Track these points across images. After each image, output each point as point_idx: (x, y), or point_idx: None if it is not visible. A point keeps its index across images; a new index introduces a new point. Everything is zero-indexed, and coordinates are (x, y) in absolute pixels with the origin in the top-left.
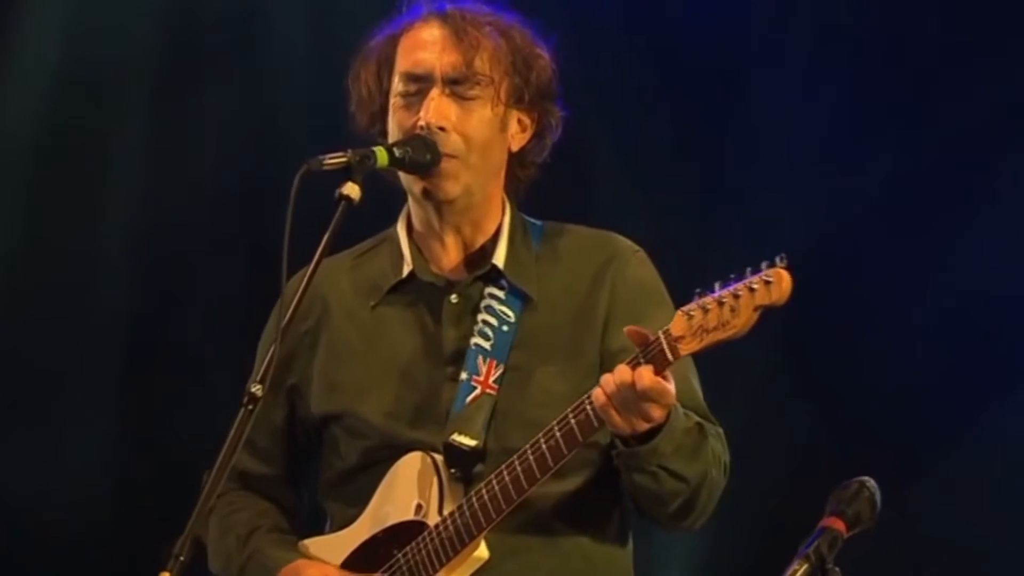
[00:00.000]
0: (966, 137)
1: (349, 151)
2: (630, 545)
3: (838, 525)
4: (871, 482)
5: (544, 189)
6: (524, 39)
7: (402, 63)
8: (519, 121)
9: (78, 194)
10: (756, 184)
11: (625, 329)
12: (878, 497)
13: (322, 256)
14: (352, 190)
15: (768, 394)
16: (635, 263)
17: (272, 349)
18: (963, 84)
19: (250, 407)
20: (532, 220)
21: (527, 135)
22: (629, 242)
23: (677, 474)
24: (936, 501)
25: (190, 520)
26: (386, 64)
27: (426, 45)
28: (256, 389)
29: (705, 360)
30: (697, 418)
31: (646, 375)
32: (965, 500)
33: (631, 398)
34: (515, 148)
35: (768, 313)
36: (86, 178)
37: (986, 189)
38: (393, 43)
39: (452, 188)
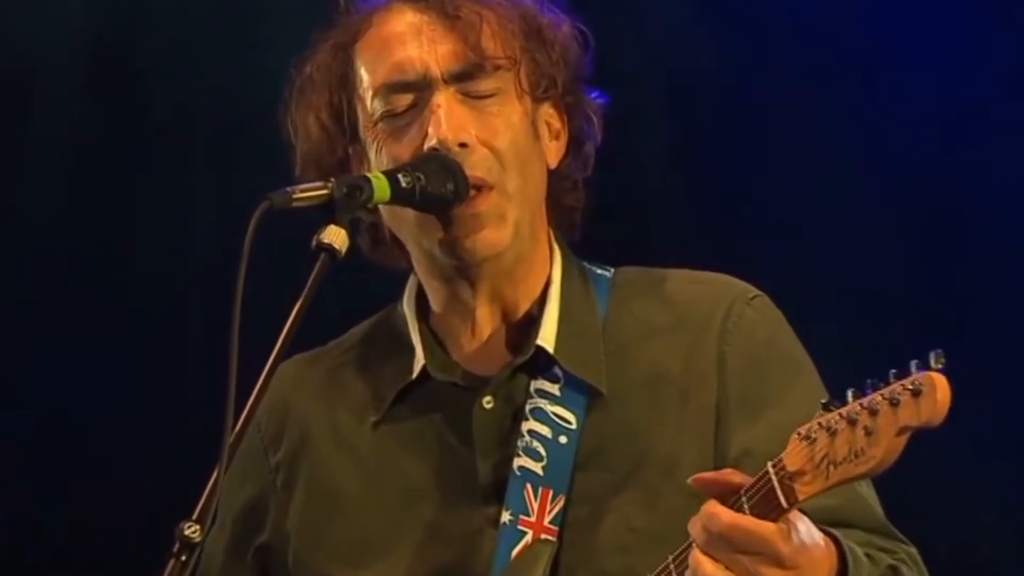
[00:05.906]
0: None
1: (332, 180)
2: None
3: None
4: None
5: None
6: (531, 2)
7: (376, 74)
8: (547, 124)
9: None
10: None
11: (693, 479)
12: None
13: (289, 337)
14: (336, 236)
15: None
16: (750, 317)
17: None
18: None
19: (182, 558)
20: (596, 269)
21: (562, 143)
22: (743, 286)
23: None
24: None
25: None
26: (343, 86)
27: (405, 39)
28: (191, 531)
29: None
30: (889, 560)
31: (750, 524)
32: None
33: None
34: (553, 163)
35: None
36: None
37: None
38: (346, 53)
39: (498, 236)
